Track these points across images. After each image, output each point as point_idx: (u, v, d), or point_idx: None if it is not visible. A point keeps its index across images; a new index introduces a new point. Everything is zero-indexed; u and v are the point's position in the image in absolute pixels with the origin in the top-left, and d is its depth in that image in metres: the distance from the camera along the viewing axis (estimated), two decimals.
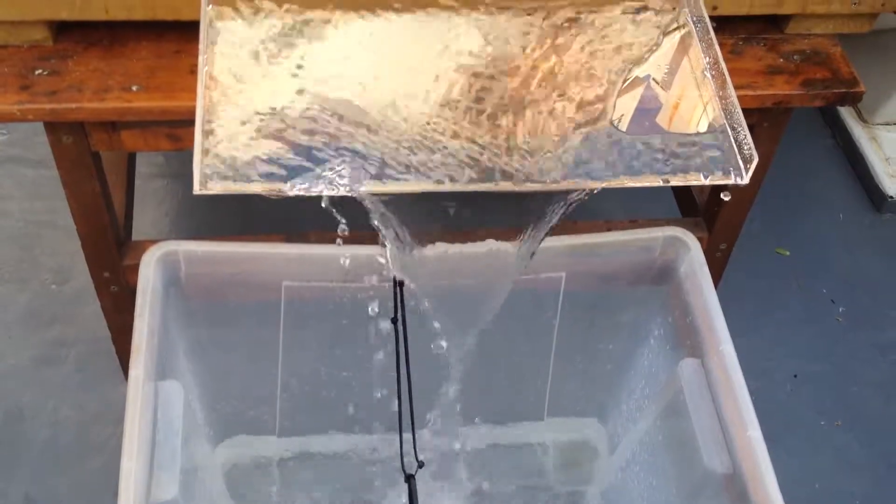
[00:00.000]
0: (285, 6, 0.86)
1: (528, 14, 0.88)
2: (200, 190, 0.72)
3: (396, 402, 0.99)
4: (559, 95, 0.82)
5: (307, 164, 0.74)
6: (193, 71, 1.01)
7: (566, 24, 0.88)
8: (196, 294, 1.07)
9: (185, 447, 0.97)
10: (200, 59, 0.80)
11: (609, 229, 1.15)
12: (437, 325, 1.01)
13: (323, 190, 0.73)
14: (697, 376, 1.03)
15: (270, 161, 0.74)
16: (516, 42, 0.86)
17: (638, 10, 0.90)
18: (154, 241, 1.04)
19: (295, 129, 0.76)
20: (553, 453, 1.33)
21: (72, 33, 1.05)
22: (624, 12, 0.89)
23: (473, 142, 0.78)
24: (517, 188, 0.76)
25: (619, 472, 1.24)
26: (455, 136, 0.78)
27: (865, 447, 1.45)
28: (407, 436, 1.04)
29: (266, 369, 1.16)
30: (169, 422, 0.96)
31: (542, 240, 0.89)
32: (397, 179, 0.74)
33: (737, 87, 0.82)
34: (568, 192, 0.80)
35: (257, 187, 0.73)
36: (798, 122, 1.87)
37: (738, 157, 0.78)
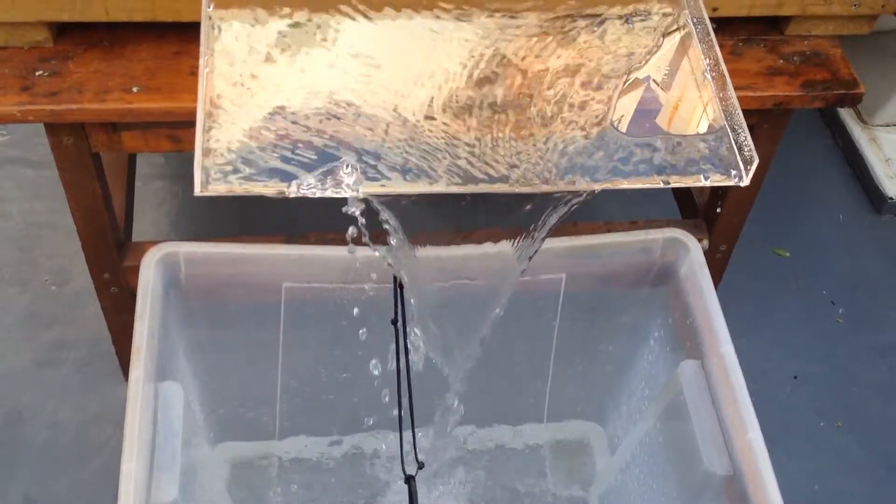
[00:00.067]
0: (285, 8, 0.86)
1: (528, 16, 0.88)
2: (201, 191, 0.72)
3: (396, 403, 0.99)
4: (559, 97, 0.82)
5: (308, 166, 0.74)
6: (194, 72, 1.01)
7: (566, 26, 0.88)
8: (196, 295, 1.07)
9: (185, 448, 0.97)
10: (201, 60, 0.80)
11: (609, 231, 1.15)
12: (437, 326, 1.01)
13: (323, 191, 0.73)
14: (697, 378, 1.03)
15: (271, 162, 0.74)
16: (516, 44, 0.86)
17: (638, 12, 0.90)
18: (154, 243, 1.05)
19: (295, 131, 0.76)
20: (553, 455, 1.33)
21: (72, 34, 1.05)
22: (623, 14, 0.89)
23: (473, 144, 0.78)
24: (517, 190, 0.76)
25: (618, 474, 1.24)
26: (455, 138, 0.78)
27: (865, 448, 1.45)
28: (407, 437, 1.04)
29: (266, 370, 1.16)
30: (169, 423, 0.96)
31: (542, 241, 0.89)
32: (397, 181, 0.74)
33: (737, 89, 0.82)
34: (567, 193, 0.80)
35: (258, 189, 0.73)
36: (798, 123, 1.87)
37: (739, 158, 0.78)
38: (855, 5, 1.09)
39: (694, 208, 1.37)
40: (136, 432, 0.90)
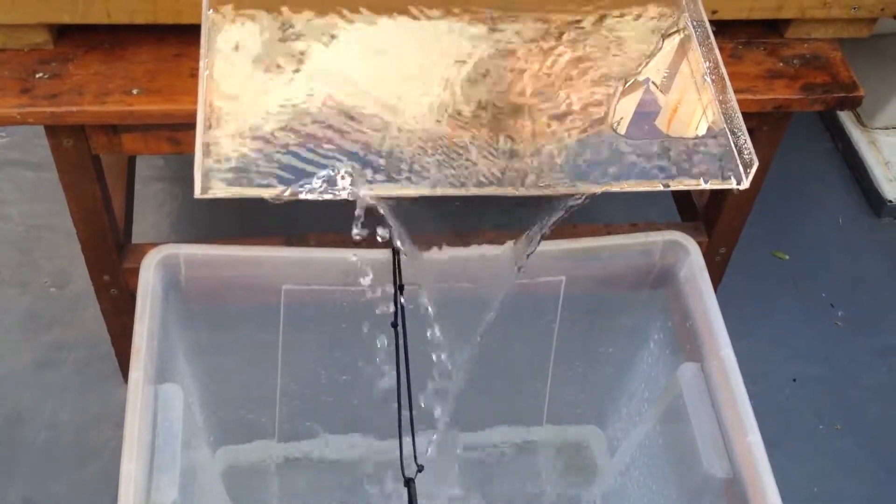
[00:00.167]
0: (286, 10, 0.86)
1: (529, 19, 0.88)
2: (201, 194, 0.72)
3: (396, 405, 0.99)
4: (559, 100, 0.82)
5: (308, 169, 0.74)
6: (194, 74, 1.01)
7: (566, 29, 0.88)
8: (196, 297, 1.07)
9: (185, 450, 0.97)
10: (201, 62, 0.80)
11: (609, 233, 1.15)
12: (437, 328, 1.01)
13: (323, 194, 0.73)
14: (697, 380, 1.03)
15: (271, 165, 0.74)
16: (516, 47, 0.86)
17: (638, 15, 0.90)
18: (154, 245, 1.04)
19: (296, 133, 0.76)
20: (552, 457, 1.33)
21: (72, 37, 1.05)
22: (624, 17, 0.90)
23: (473, 146, 0.78)
24: (517, 192, 0.76)
25: (618, 477, 1.24)
26: (455, 140, 0.78)
27: (864, 451, 1.45)
28: (407, 440, 1.04)
29: (266, 373, 1.16)
30: (169, 425, 0.96)
31: (539, 242, 0.89)
32: (398, 183, 0.75)
33: (736, 92, 0.82)
34: (567, 195, 0.80)
35: (258, 192, 0.73)
36: (797, 125, 1.87)
37: (738, 161, 0.78)
38: (854, 8, 1.09)
39: (693, 211, 1.37)
40: (135, 434, 0.90)
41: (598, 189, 0.76)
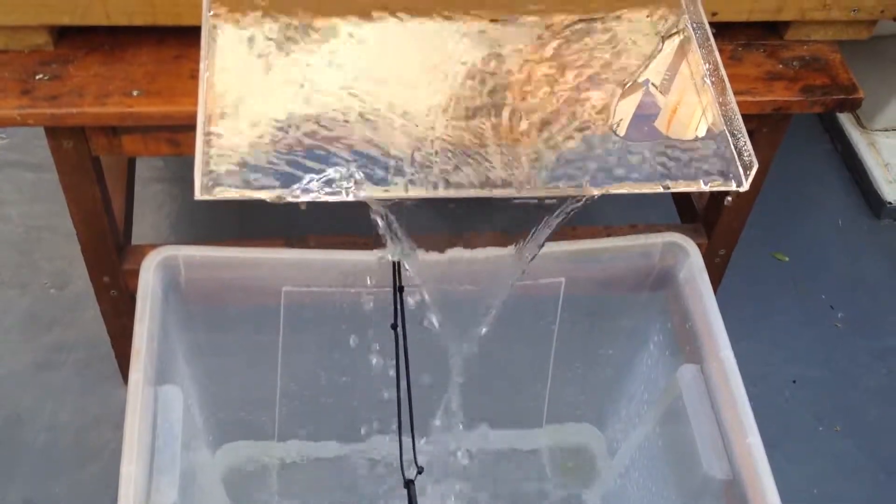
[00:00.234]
0: (286, 12, 0.86)
1: (529, 21, 0.88)
2: (202, 196, 0.72)
3: (396, 407, 0.99)
4: (559, 101, 0.82)
5: (308, 170, 0.74)
6: (194, 76, 1.01)
7: (566, 31, 0.88)
8: (196, 298, 1.07)
9: (185, 452, 0.97)
10: (202, 64, 0.80)
11: (609, 235, 1.15)
12: (436, 329, 1.01)
13: (324, 196, 0.73)
14: (697, 382, 1.03)
15: (272, 167, 0.74)
16: (517, 48, 0.86)
17: (638, 17, 0.90)
18: (154, 246, 1.05)
19: (296, 135, 0.76)
20: (552, 459, 1.33)
21: (73, 38, 1.05)
22: (624, 18, 0.90)
23: (473, 148, 0.78)
24: (516, 194, 0.76)
25: (617, 479, 1.24)
26: (455, 142, 0.78)
27: (864, 452, 1.45)
28: (406, 441, 1.04)
29: (265, 374, 1.16)
30: (168, 426, 0.96)
31: (542, 245, 0.89)
32: (399, 185, 0.75)
33: (736, 93, 0.82)
34: (567, 197, 0.80)
35: (259, 193, 0.73)
36: (797, 127, 1.87)
37: (738, 163, 0.78)
38: (854, 10, 1.09)
39: (693, 213, 1.37)
40: (135, 435, 0.90)
41: (598, 191, 0.76)
